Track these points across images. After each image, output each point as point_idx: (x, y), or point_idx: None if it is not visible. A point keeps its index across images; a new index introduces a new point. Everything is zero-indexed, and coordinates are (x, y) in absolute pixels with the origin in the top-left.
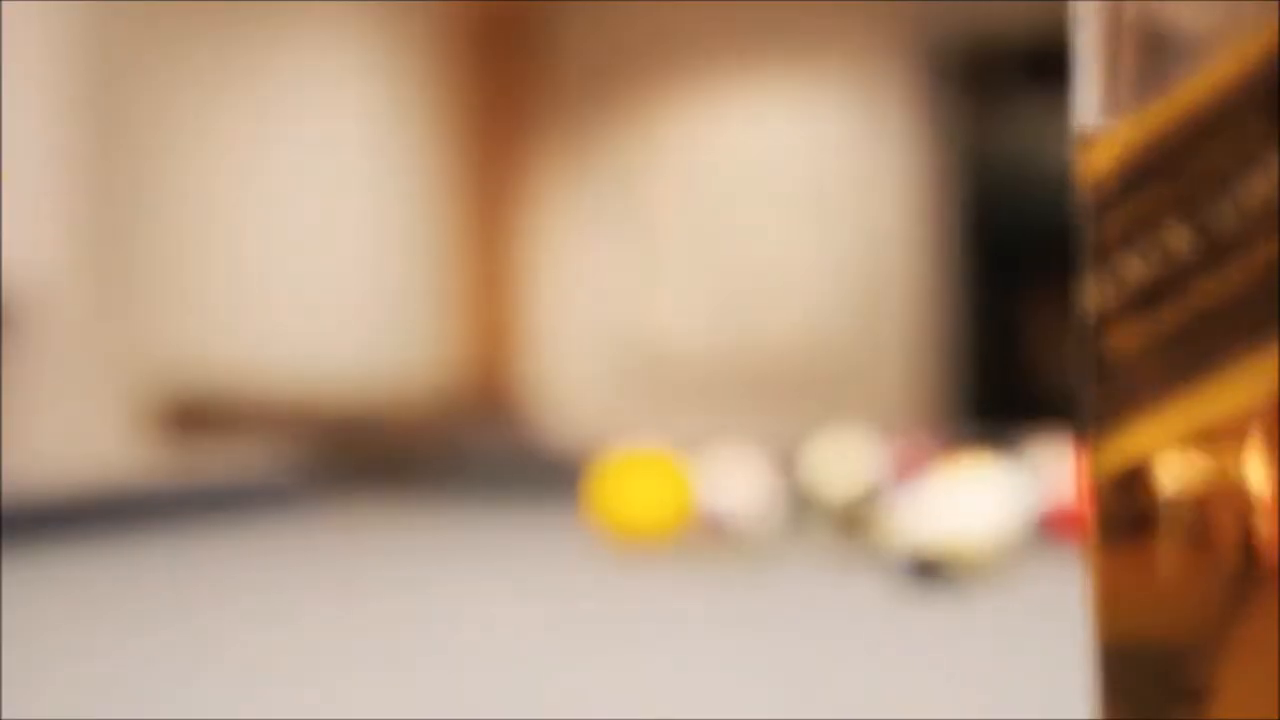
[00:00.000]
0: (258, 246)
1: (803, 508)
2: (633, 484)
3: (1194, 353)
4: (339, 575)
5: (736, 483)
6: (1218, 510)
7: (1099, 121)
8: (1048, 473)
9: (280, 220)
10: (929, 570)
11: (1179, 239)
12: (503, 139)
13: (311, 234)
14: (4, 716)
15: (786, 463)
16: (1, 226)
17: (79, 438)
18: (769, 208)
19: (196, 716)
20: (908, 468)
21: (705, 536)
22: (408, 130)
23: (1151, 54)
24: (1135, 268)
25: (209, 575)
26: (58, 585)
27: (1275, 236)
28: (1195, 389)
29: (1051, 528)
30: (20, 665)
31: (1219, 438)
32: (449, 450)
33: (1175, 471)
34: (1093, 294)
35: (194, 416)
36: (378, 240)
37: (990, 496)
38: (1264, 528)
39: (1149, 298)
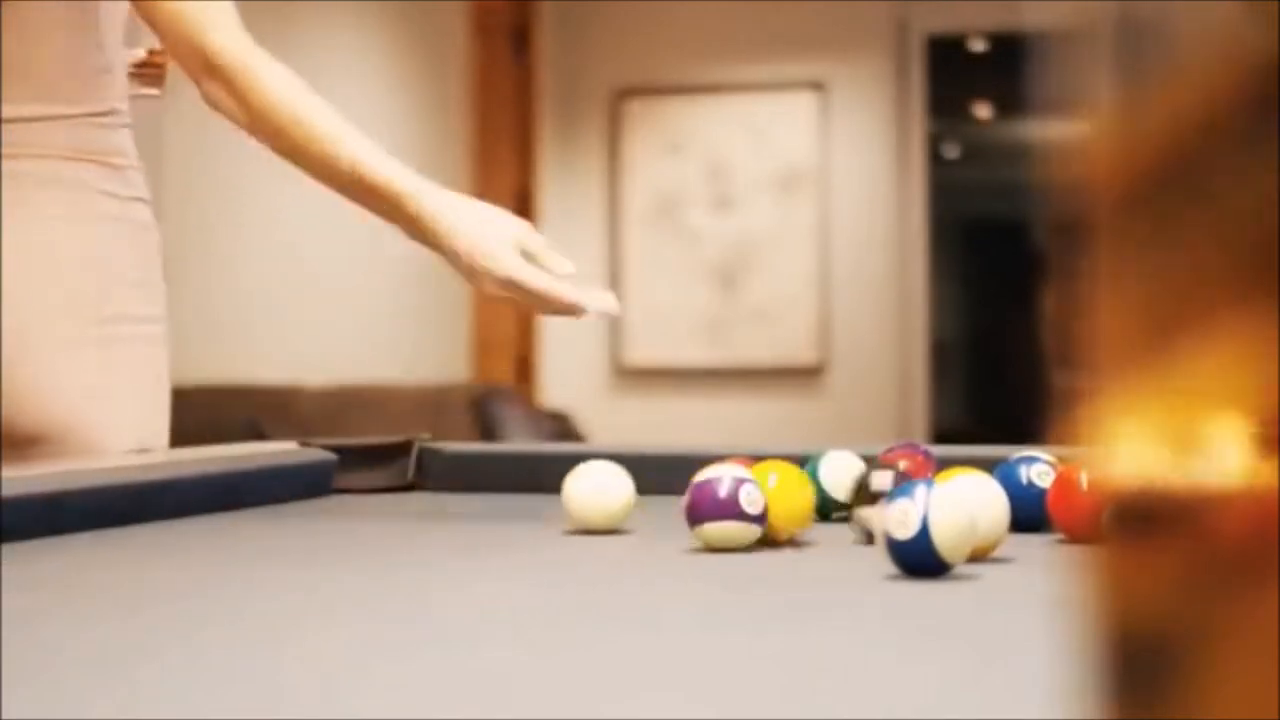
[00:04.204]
0: (262, 243)
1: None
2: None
3: (1193, 350)
4: (344, 568)
5: (731, 485)
6: (1218, 504)
7: (1081, 120)
8: (1039, 471)
9: (285, 218)
10: (920, 568)
11: (1179, 239)
12: (506, 139)
13: (318, 231)
14: (4, 715)
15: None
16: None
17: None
18: (763, 208)
19: (192, 716)
20: (899, 471)
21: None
22: (414, 128)
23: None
24: (1135, 269)
25: (213, 570)
26: (59, 579)
27: (1276, 237)
28: (1193, 387)
29: (1046, 525)
30: (20, 660)
31: (1216, 433)
32: (453, 446)
33: (1171, 467)
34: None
35: (203, 411)
36: (384, 238)
37: (981, 496)
38: (1263, 522)
39: (1148, 298)
